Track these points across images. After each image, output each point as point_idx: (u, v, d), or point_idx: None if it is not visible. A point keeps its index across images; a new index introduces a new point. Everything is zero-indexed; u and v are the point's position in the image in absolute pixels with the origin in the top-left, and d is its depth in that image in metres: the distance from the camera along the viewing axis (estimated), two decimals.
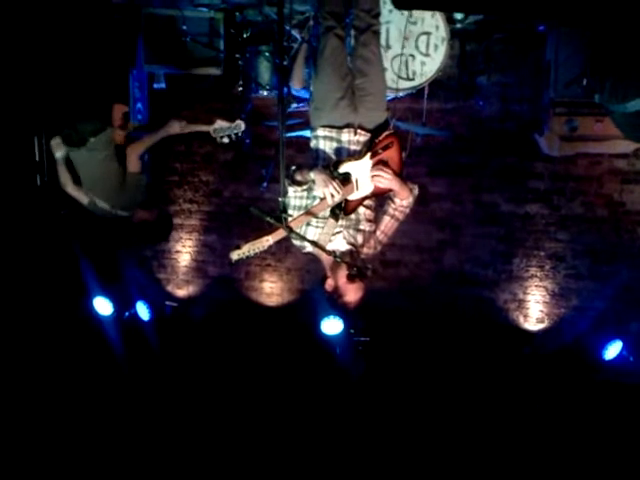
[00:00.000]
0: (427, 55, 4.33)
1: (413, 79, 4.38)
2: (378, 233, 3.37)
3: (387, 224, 3.35)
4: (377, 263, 5.88)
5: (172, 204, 6.36)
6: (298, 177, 3.19)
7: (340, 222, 3.24)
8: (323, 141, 3.36)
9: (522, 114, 5.44)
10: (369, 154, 3.26)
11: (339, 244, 3.29)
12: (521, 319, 5.87)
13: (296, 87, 4.71)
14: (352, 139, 3.35)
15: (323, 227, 3.23)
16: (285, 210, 3.07)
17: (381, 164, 3.24)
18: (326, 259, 3.28)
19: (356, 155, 3.28)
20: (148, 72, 5.19)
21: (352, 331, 5.74)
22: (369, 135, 3.37)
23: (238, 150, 5.89)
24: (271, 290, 6.38)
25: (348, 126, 3.36)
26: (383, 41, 4.22)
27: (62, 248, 5.92)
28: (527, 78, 5.27)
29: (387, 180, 3.18)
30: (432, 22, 4.26)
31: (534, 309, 5.83)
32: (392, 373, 5.64)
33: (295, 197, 3.24)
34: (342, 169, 3.19)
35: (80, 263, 5.86)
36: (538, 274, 5.77)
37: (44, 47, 4.91)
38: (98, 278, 5.98)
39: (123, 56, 4.94)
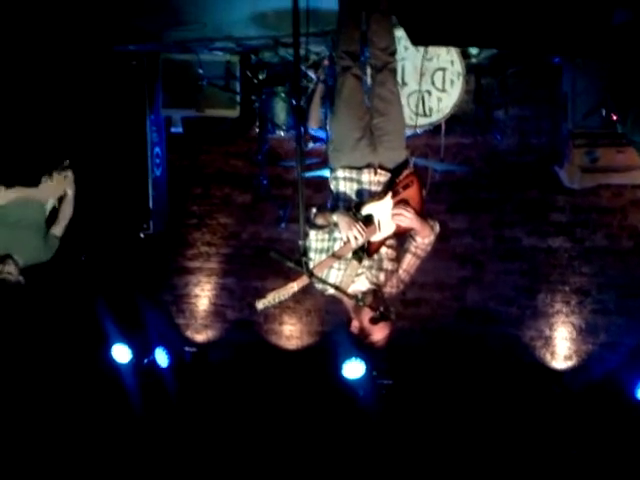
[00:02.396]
0: (443, 91, 4.35)
1: (430, 115, 4.40)
2: (400, 272, 3.32)
3: (409, 262, 3.30)
4: (398, 302, 5.79)
5: (190, 247, 6.36)
6: (319, 220, 3.19)
7: (362, 263, 3.19)
8: (343, 182, 3.34)
9: (540, 147, 5.41)
10: (390, 194, 3.23)
11: (362, 285, 3.25)
12: (548, 357, 5.71)
13: (313, 127, 4.74)
14: (372, 179, 3.33)
15: (346, 269, 3.19)
16: (306, 254, 3.04)
17: (402, 204, 3.21)
18: (349, 301, 3.23)
19: (377, 196, 3.26)
20: (165, 116, 5.26)
21: (375, 374, 5.62)
22: (389, 174, 3.35)
23: (255, 191, 5.90)
24: (291, 333, 6.30)
25: (368, 166, 3.34)
26: (399, 78, 4.21)
27: (82, 294, 5.91)
28: (544, 110, 5.27)
29: (408, 220, 3.15)
30: (447, 58, 4.29)
31: (561, 346, 5.68)
32: (416, 416, 5.49)
33: (317, 240, 3.21)
34: (364, 211, 3.17)
35: (99, 310, 5.83)
36: (564, 310, 5.64)
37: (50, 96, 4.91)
38: (117, 325, 5.95)
39: (140, 102, 5.02)
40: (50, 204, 4.07)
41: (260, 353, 6.27)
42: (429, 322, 5.89)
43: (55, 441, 5.49)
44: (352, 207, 3.19)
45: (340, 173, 3.35)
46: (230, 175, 6.10)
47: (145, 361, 6.15)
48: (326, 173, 4.84)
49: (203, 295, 6.46)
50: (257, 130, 5.14)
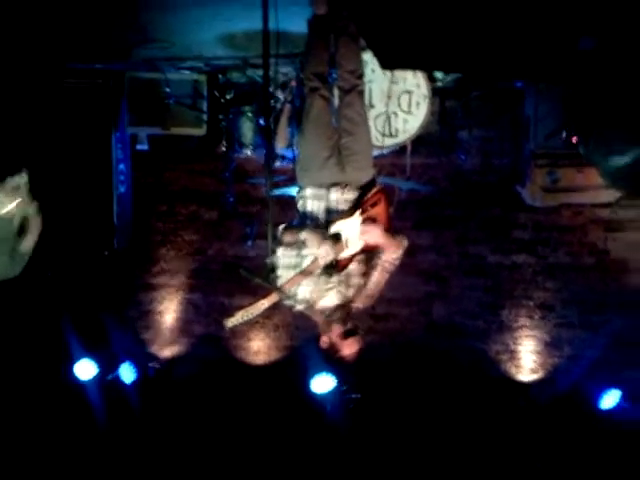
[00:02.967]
0: (409, 113, 4.42)
1: (396, 136, 4.46)
2: (369, 287, 3.35)
3: (378, 277, 3.33)
4: (367, 317, 5.83)
5: (155, 264, 6.28)
6: (287, 238, 3.21)
7: (331, 279, 3.23)
8: (311, 200, 3.37)
9: (503, 167, 5.55)
10: (358, 212, 3.27)
11: (331, 300, 3.27)
12: (514, 370, 5.81)
13: (280, 146, 4.76)
14: (340, 197, 3.36)
15: (314, 285, 3.22)
16: (274, 271, 3.06)
17: (370, 221, 3.25)
18: (318, 316, 3.26)
19: (345, 213, 3.29)
20: (131, 134, 5.21)
21: (343, 388, 5.63)
22: (357, 192, 3.38)
23: (222, 208, 5.87)
24: (258, 348, 6.27)
25: (336, 185, 3.37)
26: (367, 100, 4.25)
27: (47, 310, 5.81)
28: (507, 132, 5.40)
29: (376, 237, 3.20)
30: (414, 81, 4.36)
31: (526, 359, 5.79)
32: (384, 430, 5.52)
33: (285, 256, 3.23)
34: (333, 228, 3.21)
35: (64, 326, 5.73)
36: (528, 324, 5.75)
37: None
38: (82, 341, 5.85)
39: (106, 119, 4.96)
40: (17, 219, 3.91)
41: (227, 369, 6.21)
42: (397, 336, 5.93)
43: (18, 457, 5.36)
44: (320, 225, 3.23)
45: (308, 191, 3.38)
46: (196, 192, 6.05)
47: (109, 377, 6.05)
48: (293, 191, 4.88)
49: (169, 311, 6.39)
50: (224, 148, 5.13)
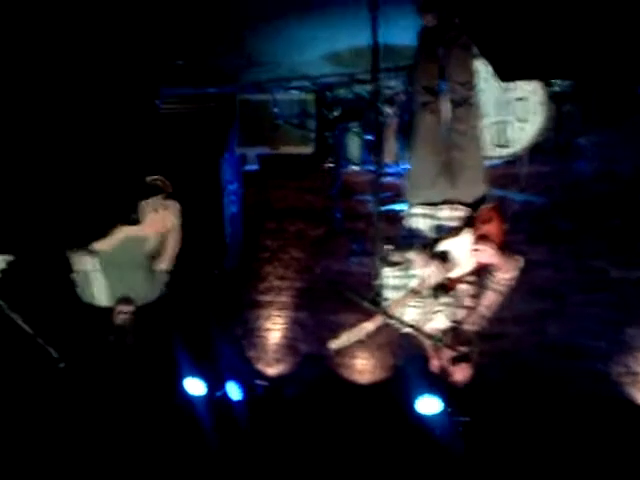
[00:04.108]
0: (524, 121, 4.26)
1: (510, 146, 4.30)
2: (481, 308, 3.22)
3: (490, 298, 3.22)
4: (476, 337, 5.65)
5: (262, 281, 6.39)
6: (395, 258, 3.15)
7: (440, 300, 3.12)
8: (420, 219, 3.31)
9: (625, 174, 5.22)
10: (469, 229, 3.16)
11: (440, 322, 3.18)
12: (638, 395, 5.41)
13: (388, 161, 4.73)
14: (450, 215, 3.27)
15: (422, 307, 3.14)
16: (380, 293, 2.99)
17: (482, 239, 3.13)
18: (427, 339, 3.15)
19: (455, 231, 3.20)
20: (241, 155, 5.37)
21: (449, 410, 5.47)
22: (468, 209, 3.28)
23: (329, 225, 5.90)
24: (363, 367, 6.22)
25: (446, 202, 3.29)
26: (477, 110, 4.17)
27: (158, 328, 6.01)
28: (629, 137, 5.08)
29: (488, 255, 3.07)
30: (528, 87, 4.21)
31: None
32: (496, 455, 5.28)
33: (392, 277, 3.17)
34: (441, 247, 3.12)
35: (176, 344, 5.92)
36: None
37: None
38: (192, 359, 6.02)
39: (217, 141, 5.14)
40: (154, 239, 3.98)
41: (332, 388, 6.20)
42: (509, 357, 5.69)
43: (131, 473, 5.55)
44: (429, 243, 3.15)
45: (417, 209, 3.32)
46: (303, 210, 6.15)
47: (218, 394, 6.18)
48: (401, 207, 4.82)
49: (275, 329, 6.47)
50: (331, 165, 5.16)
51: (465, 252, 3.12)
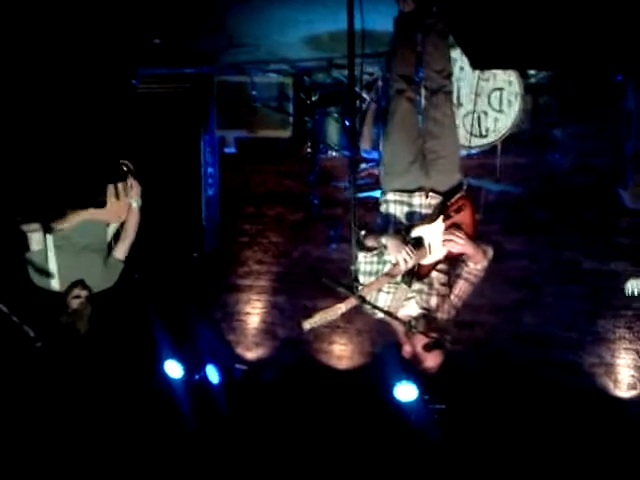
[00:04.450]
0: (500, 111, 4.25)
1: (486, 136, 4.30)
2: (452, 297, 3.24)
3: (461, 288, 3.23)
4: (451, 325, 5.67)
5: (241, 265, 6.39)
6: (369, 243, 3.14)
7: (413, 287, 3.13)
8: (394, 205, 3.31)
9: (601, 167, 5.22)
10: (441, 217, 3.17)
11: (412, 309, 3.19)
12: (610, 385, 5.47)
13: (365, 147, 4.71)
14: (423, 202, 3.28)
15: (395, 293, 3.15)
16: (357, 279, 2.99)
17: (454, 227, 3.15)
18: (400, 326, 3.16)
19: (428, 219, 3.20)
20: (219, 137, 5.32)
21: (427, 397, 5.50)
22: (441, 198, 3.29)
23: (307, 211, 5.90)
24: (341, 353, 6.24)
25: (419, 189, 3.30)
26: (454, 99, 4.15)
27: (135, 311, 6.00)
28: (605, 129, 5.08)
29: (460, 244, 3.08)
30: (505, 78, 4.20)
31: (624, 374, 5.42)
32: (469, 442, 5.33)
33: (365, 262, 3.18)
34: (414, 233, 3.12)
35: (154, 327, 5.90)
36: (627, 335, 5.39)
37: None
38: (170, 341, 6.01)
39: (195, 123, 5.09)
40: (113, 226, 3.89)
41: (310, 373, 6.22)
42: (484, 346, 5.73)
43: (109, 454, 5.56)
44: (402, 229, 3.15)
45: (391, 196, 3.32)
46: (282, 194, 6.14)
47: (196, 377, 6.19)
48: (378, 194, 4.82)
49: (254, 313, 6.48)
50: (309, 150, 5.14)
51: (437, 240, 3.12)
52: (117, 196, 3.74)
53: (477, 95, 4.14)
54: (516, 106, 4.22)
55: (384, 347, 5.85)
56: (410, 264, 2.98)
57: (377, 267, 3.16)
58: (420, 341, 3.05)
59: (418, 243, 3.07)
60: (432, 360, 3.08)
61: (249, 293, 6.44)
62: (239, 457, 5.62)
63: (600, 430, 5.24)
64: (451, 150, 3.43)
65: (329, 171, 5.68)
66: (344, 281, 2.92)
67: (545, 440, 5.26)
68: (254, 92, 4.89)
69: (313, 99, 4.96)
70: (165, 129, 5.06)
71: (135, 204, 3.83)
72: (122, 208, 3.81)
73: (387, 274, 3.04)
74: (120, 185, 3.71)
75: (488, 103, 4.23)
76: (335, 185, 5.64)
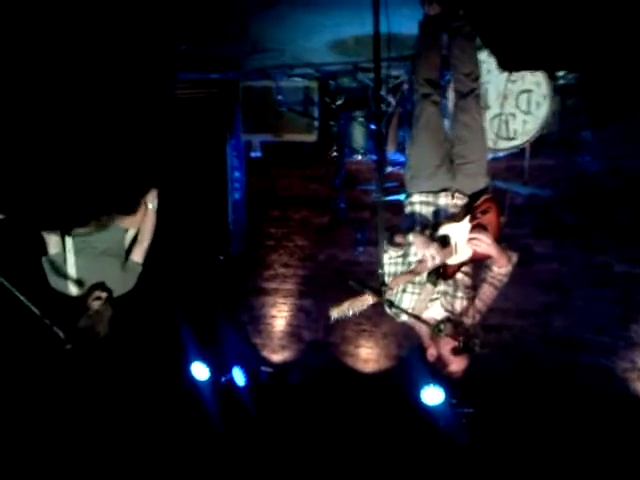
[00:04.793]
0: (529, 113, 4.18)
1: (514, 138, 4.23)
2: (477, 302, 3.20)
3: (486, 292, 3.18)
4: (479, 329, 5.61)
5: (267, 269, 6.41)
6: (397, 240, 3.13)
7: (437, 288, 3.10)
8: (419, 206, 3.30)
9: (632, 169, 5.12)
10: (467, 218, 3.14)
11: (436, 312, 3.15)
12: None
13: (391, 151, 4.69)
14: (450, 203, 3.27)
15: (420, 294, 3.11)
16: (384, 283, 2.97)
17: (479, 229, 3.11)
18: (425, 329, 3.13)
19: (454, 218, 3.18)
20: (245, 141, 5.34)
21: (454, 401, 5.46)
22: (467, 199, 3.27)
23: (333, 214, 5.89)
24: (367, 356, 6.22)
25: (445, 190, 3.28)
26: (482, 102, 4.10)
27: (164, 314, 6.05)
28: (635, 131, 4.97)
29: (485, 245, 3.04)
30: (533, 79, 4.12)
31: None
32: (498, 447, 5.27)
33: (390, 264, 3.15)
34: (441, 231, 3.09)
35: (181, 329, 5.95)
36: None
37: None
38: (197, 344, 6.05)
39: (221, 128, 5.12)
40: (132, 231, 3.87)
41: (336, 376, 6.22)
42: (512, 349, 5.67)
43: (136, 455, 5.62)
44: (429, 227, 3.14)
45: (417, 197, 3.31)
46: (308, 198, 6.14)
47: (223, 379, 6.23)
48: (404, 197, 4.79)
49: (280, 316, 6.50)
50: (335, 154, 5.13)
51: (462, 240, 3.09)
52: (146, 205, 3.77)
53: (505, 97, 4.08)
54: (544, 108, 4.14)
55: (410, 350, 5.82)
56: (437, 261, 2.96)
57: (401, 268, 3.13)
58: (447, 344, 3.01)
59: (444, 241, 3.05)
60: (457, 364, 3.04)
61: (275, 296, 6.45)
62: (266, 459, 5.64)
63: (631, 435, 5.14)
64: (479, 154, 3.39)
65: (355, 175, 5.67)
66: (371, 284, 2.92)
67: (574, 444, 5.17)
68: (279, 96, 4.90)
69: (338, 103, 4.95)
70: (192, 134, 5.10)
71: (151, 206, 3.81)
72: (141, 213, 3.81)
73: (412, 271, 3.02)
74: (149, 194, 3.73)
75: (516, 105, 4.16)
76: (361, 188, 5.63)
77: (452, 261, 3.09)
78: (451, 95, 3.50)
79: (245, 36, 4.33)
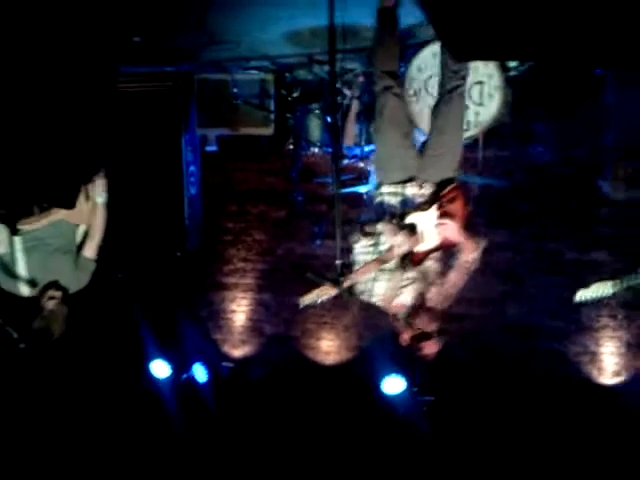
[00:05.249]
0: (481, 105, 4.26)
1: (468, 129, 4.29)
2: (446, 288, 3.28)
3: (455, 278, 3.27)
4: (445, 315, 5.70)
5: (226, 263, 6.37)
6: (367, 228, 3.25)
7: (407, 275, 3.20)
8: (388, 197, 3.38)
9: (582, 159, 5.26)
10: (435, 206, 3.25)
11: (407, 298, 3.24)
12: (595, 373, 5.53)
13: (347, 143, 4.71)
14: (416, 192, 3.35)
15: (390, 280, 3.21)
16: (342, 273, 3.00)
17: (446, 216, 3.22)
18: (398, 312, 3.21)
19: (421, 207, 3.28)
20: (201, 135, 5.28)
21: (415, 390, 5.53)
22: (434, 188, 3.36)
23: (290, 208, 5.89)
24: (328, 348, 6.24)
25: (412, 180, 3.36)
26: (434, 92, 4.16)
27: (120, 312, 5.96)
28: (585, 122, 5.11)
29: (452, 230, 3.15)
30: (485, 71, 4.19)
31: (609, 362, 5.49)
32: (459, 434, 5.38)
33: (362, 252, 3.25)
34: (408, 220, 3.21)
35: (140, 327, 5.86)
36: (611, 324, 5.45)
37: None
38: (156, 341, 5.98)
39: (176, 122, 5.04)
40: (83, 227, 3.74)
41: (298, 369, 6.23)
42: (472, 337, 5.76)
43: (96, 455, 5.53)
44: (396, 216, 3.24)
45: (385, 189, 3.39)
46: (265, 192, 6.12)
47: (183, 376, 6.17)
48: (361, 189, 4.82)
49: (239, 311, 6.46)
50: (291, 147, 5.12)
51: (430, 227, 3.21)
52: (87, 198, 3.65)
53: None
54: (497, 99, 4.23)
55: (371, 341, 5.87)
56: (404, 248, 3.08)
57: (372, 257, 3.22)
58: (407, 333, 3.13)
59: (412, 229, 3.17)
60: (429, 348, 3.16)
61: (234, 291, 6.42)
62: (228, 456, 5.62)
63: (587, 418, 5.31)
64: (455, 147, 3.48)
65: (311, 168, 5.66)
66: (329, 275, 2.95)
67: (533, 430, 5.31)
68: (235, 89, 4.85)
69: (294, 96, 4.94)
70: (146, 128, 5.01)
71: (100, 199, 3.68)
72: (88, 207, 3.68)
73: (382, 257, 3.13)
74: (89, 186, 3.61)
75: (469, 97, 4.23)
76: (318, 181, 5.64)
77: (420, 248, 3.20)
78: (438, 90, 3.54)
79: (201, 28, 4.27)
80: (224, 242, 6.36)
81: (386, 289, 3.20)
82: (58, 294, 3.46)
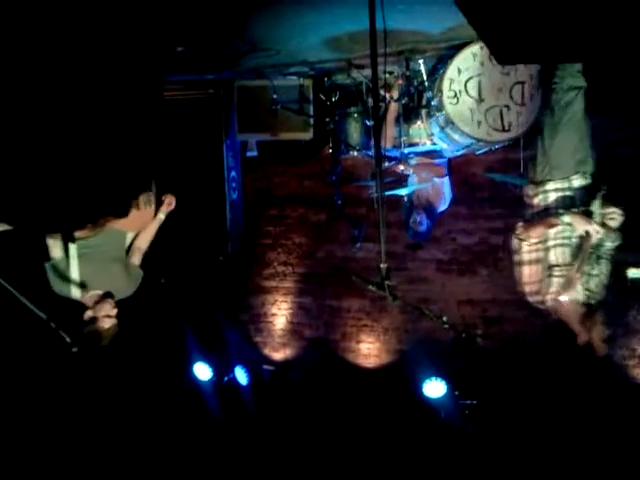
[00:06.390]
0: (522, 105, 4.21)
1: (509, 130, 4.26)
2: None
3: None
4: (479, 321, 5.65)
5: (266, 267, 6.42)
6: (533, 234, 3.44)
7: (583, 269, 3.32)
8: (554, 193, 3.54)
9: (627, 157, 5.15)
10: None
11: (579, 293, 3.38)
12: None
13: (387, 146, 4.70)
14: (582, 183, 3.55)
15: (564, 277, 3.32)
16: (388, 277, 3.00)
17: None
18: (572, 312, 3.35)
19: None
20: (241, 141, 5.35)
21: (456, 393, 5.49)
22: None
23: (330, 211, 5.90)
24: (368, 351, 6.24)
25: (577, 172, 3.56)
26: (476, 94, 4.15)
27: (163, 316, 6.05)
28: (631, 120, 5.00)
29: (618, 222, 3.35)
30: (526, 71, 4.15)
31: None
32: (502, 438, 5.30)
33: (530, 251, 3.44)
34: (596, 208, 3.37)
35: (183, 331, 5.95)
36: None
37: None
38: (198, 344, 6.06)
39: (217, 128, 5.12)
40: (131, 234, 3.86)
41: (338, 372, 6.24)
42: (513, 341, 5.69)
43: (140, 457, 5.62)
44: (580, 206, 3.39)
45: (551, 185, 3.54)
46: (304, 195, 6.17)
47: (225, 379, 6.24)
48: (401, 192, 4.80)
49: (280, 314, 6.51)
50: (330, 151, 5.15)
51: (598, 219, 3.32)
52: (138, 206, 3.74)
53: (499, 90, 4.12)
54: (538, 99, 4.18)
55: (412, 344, 5.84)
56: (600, 235, 3.21)
57: (540, 255, 3.40)
58: (599, 333, 3.37)
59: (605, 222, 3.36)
60: (603, 349, 3.38)
61: (275, 294, 6.47)
62: (268, 458, 5.65)
63: (630, 421, 5.18)
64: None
65: (350, 171, 5.69)
66: (372, 279, 2.94)
67: (576, 433, 5.19)
68: (274, 95, 4.90)
69: (333, 100, 4.97)
70: (188, 135, 5.09)
71: (162, 216, 3.90)
72: (142, 218, 3.82)
73: (585, 250, 3.25)
74: (142, 196, 3.72)
75: (510, 97, 4.20)
76: (357, 185, 5.65)
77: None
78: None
79: (241, 37, 4.33)
80: (264, 246, 6.42)
81: (558, 285, 3.34)
82: (114, 312, 3.55)
